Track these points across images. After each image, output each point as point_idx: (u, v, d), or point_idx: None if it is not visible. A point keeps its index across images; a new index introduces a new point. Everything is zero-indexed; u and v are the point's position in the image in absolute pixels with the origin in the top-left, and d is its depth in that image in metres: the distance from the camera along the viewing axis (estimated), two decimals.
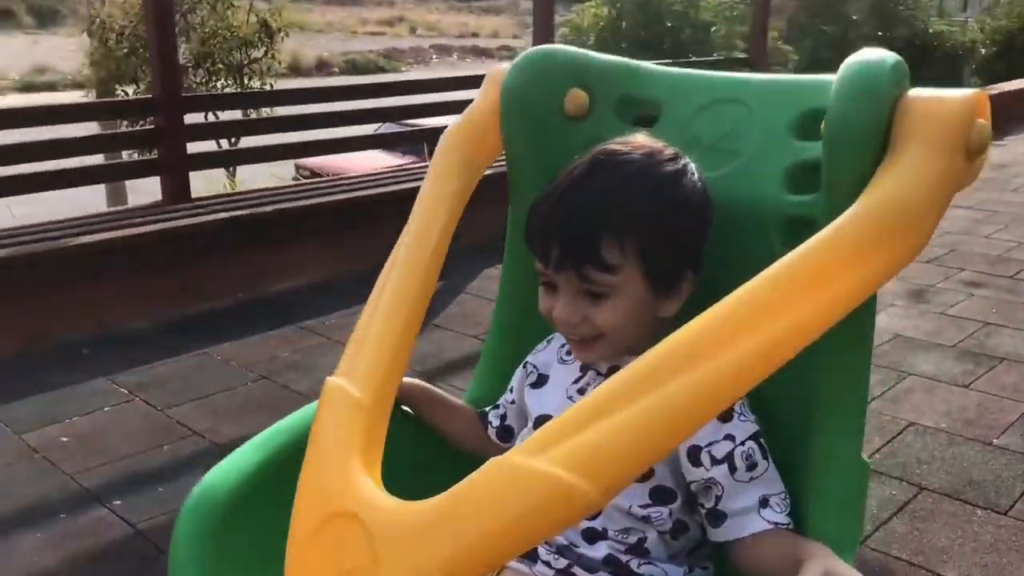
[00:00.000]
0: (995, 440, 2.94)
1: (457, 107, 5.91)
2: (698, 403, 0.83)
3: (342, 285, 4.53)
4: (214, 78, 8.01)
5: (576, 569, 1.08)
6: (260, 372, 3.51)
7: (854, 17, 12.77)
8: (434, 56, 40.23)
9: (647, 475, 1.09)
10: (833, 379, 1.10)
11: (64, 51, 36.17)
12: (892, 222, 0.91)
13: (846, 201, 0.96)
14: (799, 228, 1.06)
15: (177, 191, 4.36)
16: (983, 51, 13.25)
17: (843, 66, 1.04)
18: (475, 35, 47.89)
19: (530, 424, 1.21)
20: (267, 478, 1.13)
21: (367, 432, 0.96)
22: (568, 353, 1.21)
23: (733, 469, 1.06)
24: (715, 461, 1.06)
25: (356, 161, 10.04)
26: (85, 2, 9.77)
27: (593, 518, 1.09)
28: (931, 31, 12.09)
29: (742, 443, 1.07)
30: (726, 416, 1.09)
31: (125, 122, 6.41)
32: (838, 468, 1.08)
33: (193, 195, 4.54)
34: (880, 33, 12.27)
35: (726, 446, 1.06)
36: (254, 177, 8.66)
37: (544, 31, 5.90)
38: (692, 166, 1.14)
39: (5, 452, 2.90)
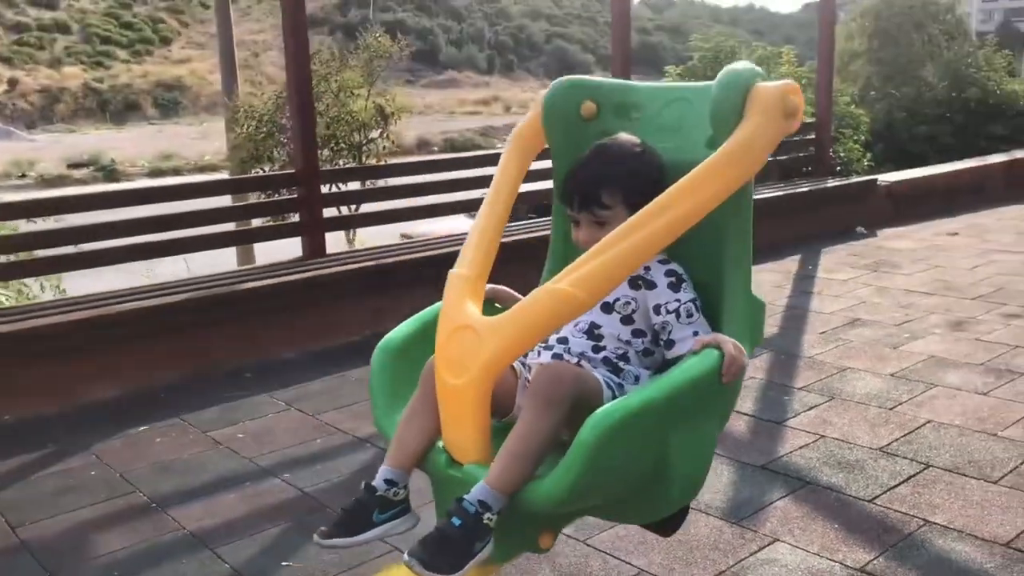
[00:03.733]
0: (1000, 432, 3.49)
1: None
2: (644, 248, 1.61)
3: None
4: (337, 156, 9.13)
5: (583, 363, 1.81)
6: None
7: (929, 79, 13.27)
8: None
9: (630, 321, 1.85)
10: (726, 254, 1.82)
11: (185, 139, 39.19)
12: (738, 154, 1.68)
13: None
14: None
15: (315, 247, 5.26)
16: None
17: (719, 75, 1.78)
18: None
19: None
20: (418, 334, 1.97)
21: (471, 291, 1.78)
22: None
23: (678, 316, 1.82)
24: (668, 312, 1.82)
25: (446, 228, 11.06)
26: (225, 94, 11.22)
27: (600, 340, 1.84)
28: (1000, 91, 12.50)
29: (685, 303, 1.83)
30: (676, 287, 1.84)
31: (258, 194, 7.47)
32: (738, 301, 1.80)
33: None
34: (953, 94, 12.74)
35: (675, 304, 1.83)
36: (364, 240, 9.68)
37: None
38: (650, 147, 1.90)
39: (197, 443, 3.75)
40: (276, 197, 6.89)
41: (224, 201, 8.31)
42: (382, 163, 9.17)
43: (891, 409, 3.76)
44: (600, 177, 1.84)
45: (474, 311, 1.71)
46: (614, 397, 1.73)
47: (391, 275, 5.28)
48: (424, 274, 5.42)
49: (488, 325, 1.65)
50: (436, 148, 34.82)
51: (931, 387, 3.99)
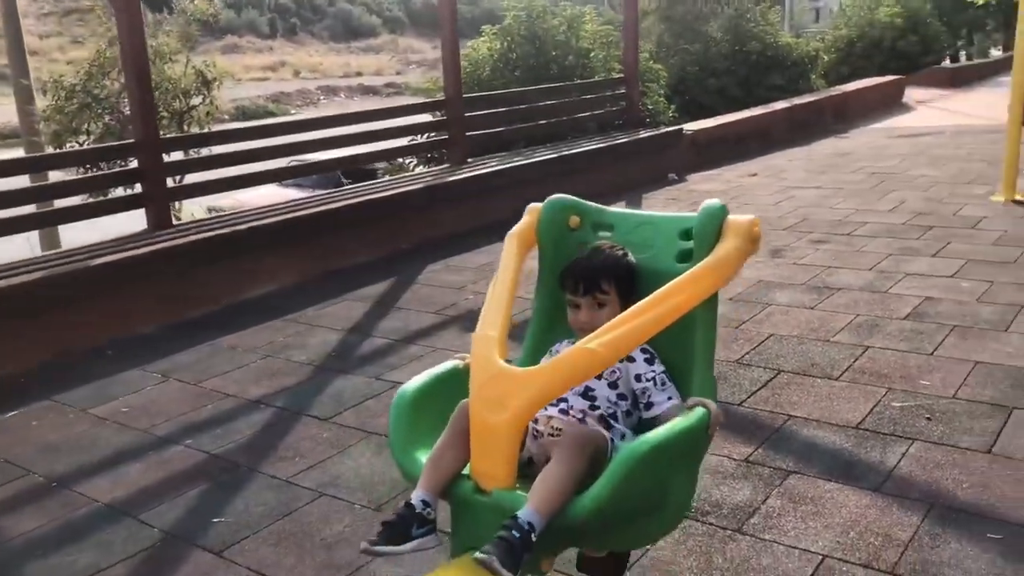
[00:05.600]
0: (831, 339, 4.02)
1: (380, 135, 6.82)
2: (651, 325, 1.95)
3: (310, 287, 5.37)
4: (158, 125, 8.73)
5: (587, 419, 2.13)
6: (263, 352, 4.33)
7: (714, 35, 14.29)
8: (321, 97, 40.90)
9: (615, 386, 2.19)
10: (697, 337, 2.19)
11: None
12: (714, 268, 2.07)
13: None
14: None
15: (162, 219, 5.12)
16: (825, 58, 15.03)
17: (700, 208, 2.18)
18: (359, 74, 48.72)
19: None
20: (430, 387, 2.19)
21: (499, 349, 2.03)
22: (572, 344, 2.27)
23: (655, 384, 2.18)
24: (647, 380, 2.18)
25: (269, 198, 10.75)
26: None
27: (594, 400, 2.16)
28: (778, 43, 13.70)
29: (659, 374, 2.20)
30: (651, 362, 2.21)
31: (77, 169, 7.03)
32: (704, 378, 2.17)
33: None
34: (736, 48, 13.80)
35: (652, 374, 2.19)
36: (192, 212, 9.34)
37: (453, 68, 6.88)
38: (629, 252, 2.31)
39: (80, 422, 3.65)
40: (94, 172, 6.60)
41: (23, 181, 7.81)
42: (207, 130, 8.87)
43: (737, 328, 4.22)
44: (601, 269, 2.24)
45: (504, 365, 1.99)
46: (615, 449, 2.06)
47: (244, 242, 5.23)
48: (277, 239, 5.43)
49: (525, 372, 1.95)
50: (227, 117, 33.41)
51: (767, 306, 4.50)
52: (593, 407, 2.15)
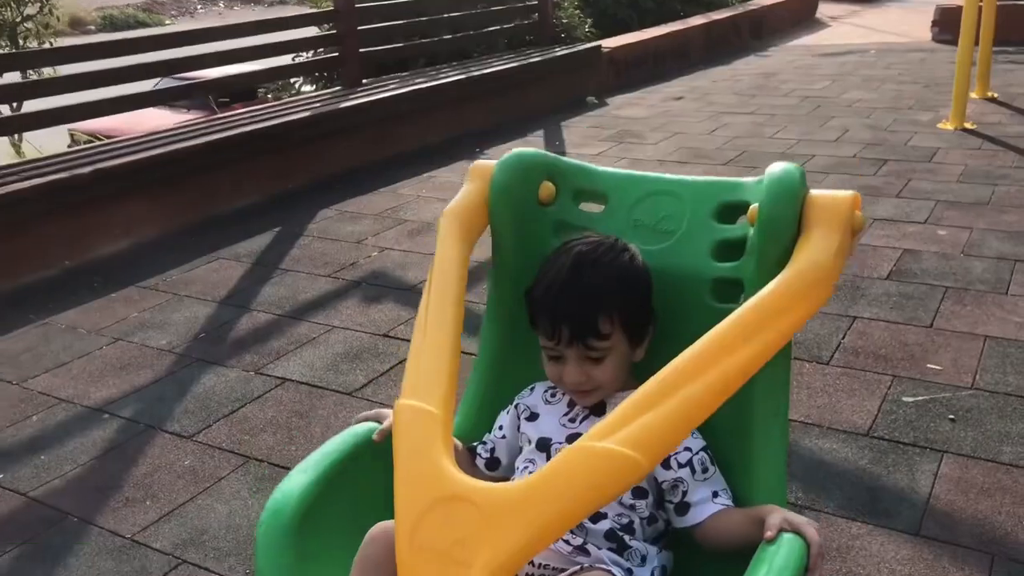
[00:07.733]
0: None
1: (251, 54, 5.76)
2: (706, 400, 1.15)
3: (175, 241, 4.44)
4: None
5: (588, 545, 1.35)
6: (112, 335, 3.43)
7: None
8: (199, 6, 38.08)
9: None
10: (765, 393, 1.42)
11: None
12: (812, 280, 1.28)
13: (774, 267, 1.34)
14: (726, 286, 1.46)
15: None
16: None
17: (767, 174, 1.41)
18: None
19: (532, 446, 1.49)
20: (327, 490, 1.36)
21: (444, 437, 1.19)
22: (552, 396, 1.55)
23: (693, 471, 1.40)
24: (680, 465, 1.41)
25: (138, 120, 9.44)
26: None
27: None
28: None
29: (697, 453, 1.42)
30: None
31: None
32: (775, 458, 1.43)
33: None
34: None
35: (687, 455, 1.41)
36: (40, 148, 8.08)
37: None
38: (634, 248, 1.49)
39: None
40: None
41: None
42: (47, 45, 7.56)
43: None
44: (593, 299, 1.40)
45: (460, 474, 1.14)
46: None
47: (89, 189, 4.24)
48: (133, 183, 4.46)
49: (497, 498, 1.09)
50: (93, 28, 30.77)
51: None
52: (597, 516, 1.37)
